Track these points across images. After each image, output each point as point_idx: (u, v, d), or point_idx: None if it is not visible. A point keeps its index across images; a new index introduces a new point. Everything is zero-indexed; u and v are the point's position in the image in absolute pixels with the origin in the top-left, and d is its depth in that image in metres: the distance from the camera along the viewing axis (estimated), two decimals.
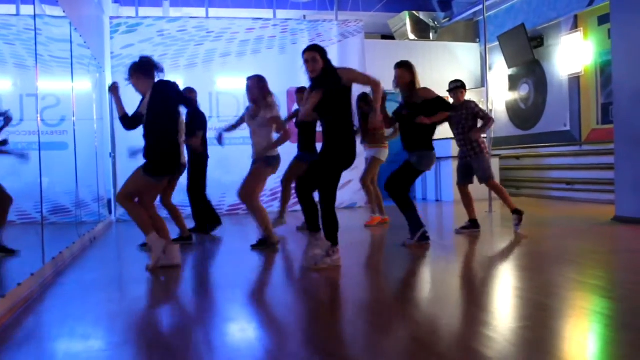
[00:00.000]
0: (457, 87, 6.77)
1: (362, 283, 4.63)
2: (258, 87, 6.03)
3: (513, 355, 2.74)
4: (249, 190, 5.98)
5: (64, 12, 5.85)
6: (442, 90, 6.71)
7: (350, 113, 4.92)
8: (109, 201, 9.32)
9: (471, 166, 6.73)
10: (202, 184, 7.05)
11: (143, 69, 5.08)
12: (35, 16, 4.82)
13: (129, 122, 5.20)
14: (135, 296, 4.34)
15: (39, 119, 5.20)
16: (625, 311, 3.50)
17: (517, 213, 6.68)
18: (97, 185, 8.01)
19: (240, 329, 3.40)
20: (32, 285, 4.19)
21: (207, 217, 7.11)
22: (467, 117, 6.64)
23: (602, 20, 9.47)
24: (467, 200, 6.73)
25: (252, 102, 6.09)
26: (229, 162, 8.90)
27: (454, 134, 6.80)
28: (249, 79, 6.14)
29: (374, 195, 7.55)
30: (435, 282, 4.70)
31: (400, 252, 5.69)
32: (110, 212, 9.33)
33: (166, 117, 5.02)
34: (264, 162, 5.96)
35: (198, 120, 6.59)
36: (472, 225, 6.69)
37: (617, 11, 7.42)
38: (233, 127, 6.51)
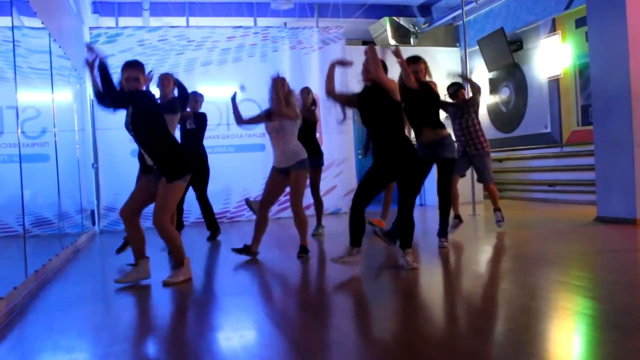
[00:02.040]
0: (456, 89, 6.93)
1: (348, 288, 4.63)
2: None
3: (498, 357, 2.75)
4: (300, 200, 5.77)
5: (42, 23, 5.81)
6: None
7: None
8: (92, 212, 9.26)
9: (471, 162, 6.88)
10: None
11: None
12: (13, 27, 4.79)
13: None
14: (120, 308, 4.31)
15: (19, 131, 5.16)
16: (608, 311, 3.54)
17: (500, 210, 6.91)
18: (80, 196, 7.95)
19: (226, 337, 3.39)
20: (15, 299, 4.15)
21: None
22: (470, 111, 6.79)
23: (580, 23, 9.58)
24: (454, 196, 6.60)
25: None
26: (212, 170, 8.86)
27: (456, 130, 6.87)
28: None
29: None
30: (420, 285, 4.71)
31: (386, 257, 5.70)
32: (93, 224, 9.26)
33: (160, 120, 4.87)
34: (299, 167, 5.72)
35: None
36: (459, 221, 6.76)
37: (594, 14, 7.51)
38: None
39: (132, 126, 4.78)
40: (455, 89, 6.97)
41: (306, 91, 7.51)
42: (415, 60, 5.80)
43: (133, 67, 4.84)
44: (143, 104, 4.77)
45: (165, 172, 4.70)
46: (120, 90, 4.78)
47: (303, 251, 5.74)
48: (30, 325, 3.84)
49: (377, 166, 4.97)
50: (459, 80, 7.34)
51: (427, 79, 5.81)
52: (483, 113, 12.43)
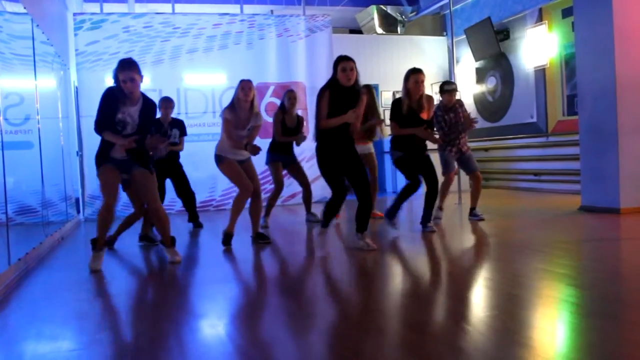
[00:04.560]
0: (453, 89, 6.93)
1: (335, 277, 4.64)
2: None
3: (482, 344, 2.77)
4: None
5: (24, 8, 5.73)
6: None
7: None
8: (77, 200, 9.19)
9: (465, 159, 6.97)
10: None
11: None
12: None
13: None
14: (104, 296, 4.29)
15: (1, 118, 5.09)
16: (592, 298, 3.57)
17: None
18: (64, 184, 7.88)
19: (211, 324, 3.38)
20: None
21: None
22: (462, 115, 6.86)
23: (566, 13, 9.61)
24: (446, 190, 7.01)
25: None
26: (198, 159, 8.81)
27: (448, 133, 6.84)
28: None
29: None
30: (405, 273, 4.73)
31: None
32: (78, 212, 9.20)
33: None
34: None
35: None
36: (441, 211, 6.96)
37: (580, 4, 7.53)
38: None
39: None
40: (451, 88, 6.93)
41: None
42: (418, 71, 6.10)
43: (130, 67, 4.83)
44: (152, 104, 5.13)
45: (146, 160, 5.10)
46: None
47: (260, 237, 6.01)
48: (14, 314, 3.81)
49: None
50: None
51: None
52: (469, 102, 12.47)
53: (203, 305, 3.89)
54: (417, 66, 6.22)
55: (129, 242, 6.42)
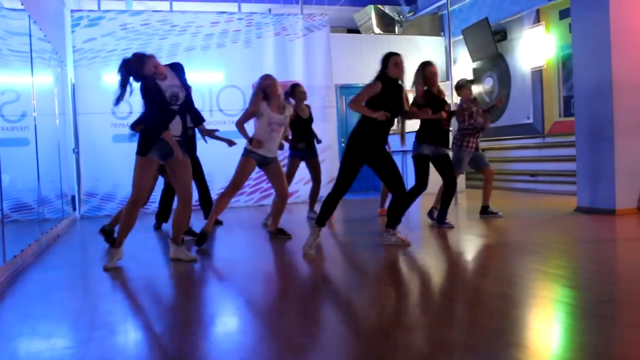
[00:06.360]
0: (465, 82, 7.21)
1: (328, 275, 4.64)
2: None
3: (476, 344, 2.77)
4: None
5: (22, 4, 5.72)
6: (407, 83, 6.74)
7: None
8: (73, 198, 9.17)
9: (478, 156, 7.32)
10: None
11: None
12: None
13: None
14: (100, 294, 4.28)
15: None
16: (587, 299, 3.57)
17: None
18: (61, 181, 7.87)
19: (207, 323, 3.38)
20: None
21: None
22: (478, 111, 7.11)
23: (563, 14, 9.63)
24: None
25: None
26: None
27: (466, 127, 7.05)
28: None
29: None
30: (400, 273, 4.73)
31: (368, 244, 5.71)
32: (74, 209, 9.18)
33: None
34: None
35: None
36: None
37: (577, 5, 7.54)
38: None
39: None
40: (465, 81, 7.21)
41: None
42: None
43: (148, 57, 4.85)
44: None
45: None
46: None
47: (281, 232, 6.14)
48: (8, 311, 3.80)
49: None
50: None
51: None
52: None
53: (199, 304, 3.89)
54: (415, 66, 6.27)
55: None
